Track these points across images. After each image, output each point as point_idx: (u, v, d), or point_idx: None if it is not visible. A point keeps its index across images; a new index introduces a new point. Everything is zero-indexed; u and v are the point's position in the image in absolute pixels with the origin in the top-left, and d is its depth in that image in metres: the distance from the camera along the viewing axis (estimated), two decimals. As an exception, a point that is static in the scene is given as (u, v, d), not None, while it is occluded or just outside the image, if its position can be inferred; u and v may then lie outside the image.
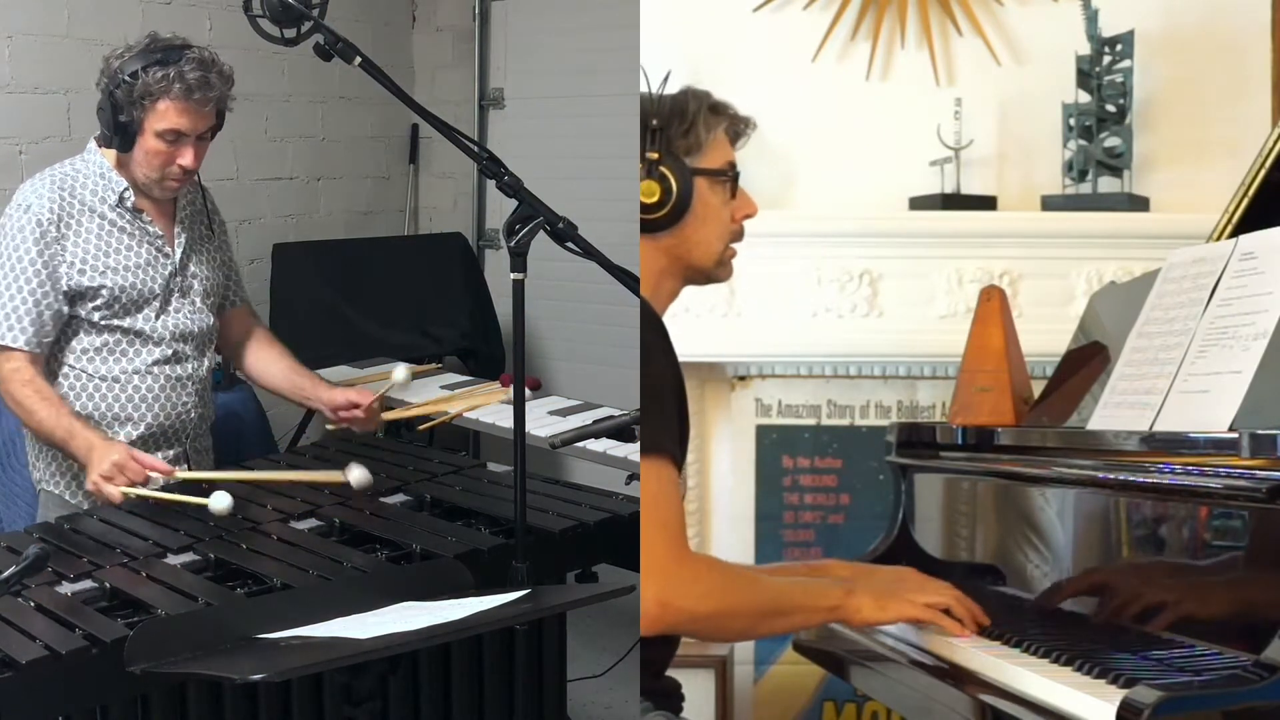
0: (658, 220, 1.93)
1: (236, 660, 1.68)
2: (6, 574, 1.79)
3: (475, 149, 2.04)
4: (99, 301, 2.57)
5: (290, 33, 2.12)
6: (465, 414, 3.23)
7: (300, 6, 2.08)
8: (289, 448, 3.49)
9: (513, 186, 1.98)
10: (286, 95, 4.84)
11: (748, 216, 2.02)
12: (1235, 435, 1.66)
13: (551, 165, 4.00)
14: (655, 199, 1.92)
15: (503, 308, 4.94)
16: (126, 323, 2.59)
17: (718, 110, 1.98)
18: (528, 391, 2.18)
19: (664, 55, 3.11)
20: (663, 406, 1.83)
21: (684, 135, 1.94)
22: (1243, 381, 1.76)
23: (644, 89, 1.96)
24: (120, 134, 2.50)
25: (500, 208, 5.19)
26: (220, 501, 2.28)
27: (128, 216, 2.59)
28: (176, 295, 2.65)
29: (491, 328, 4.96)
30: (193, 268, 2.69)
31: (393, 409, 3.34)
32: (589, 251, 1.95)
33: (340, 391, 2.78)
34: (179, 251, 2.66)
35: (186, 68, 2.45)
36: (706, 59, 3.17)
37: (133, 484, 2.38)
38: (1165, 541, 1.76)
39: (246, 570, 2.09)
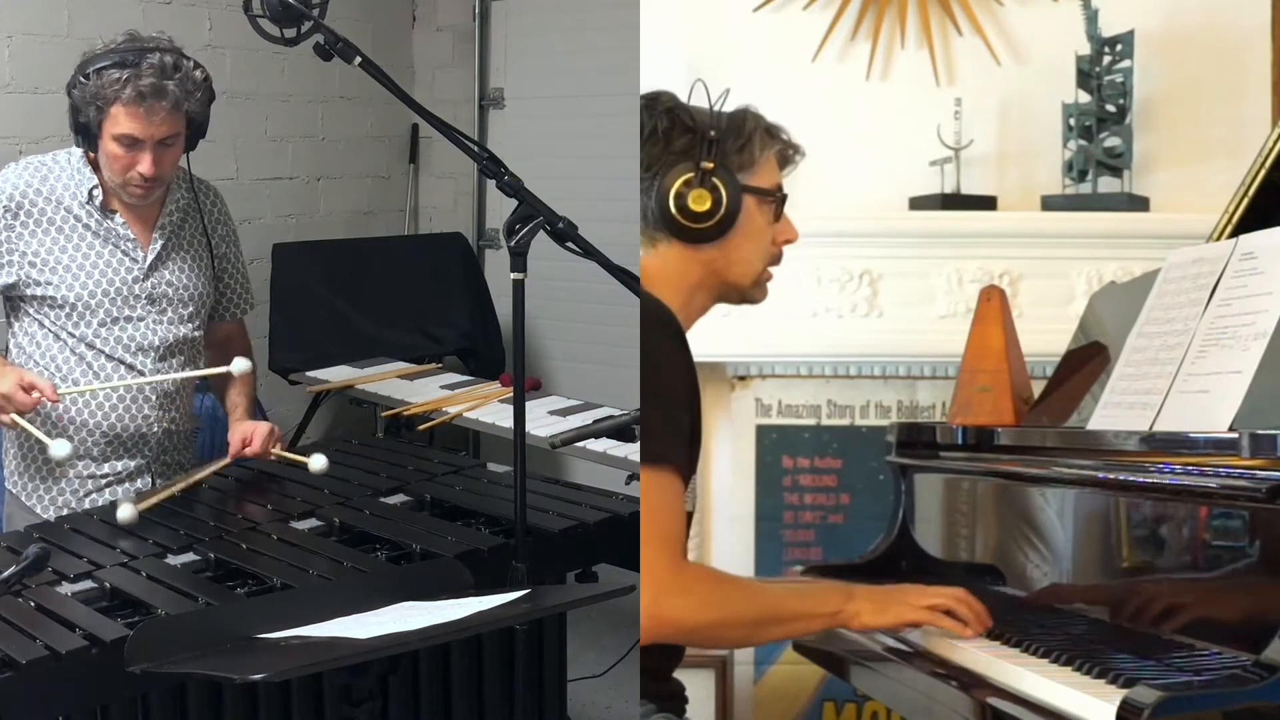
0: (704, 231, 1.93)
1: (236, 660, 1.68)
2: (6, 574, 1.79)
3: (475, 149, 2.04)
4: (46, 303, 2.50)
5: (290, 33, 2.11)
6: (465, 414, 3.23)
7: (300, 6, 2.08)
8: (288, 448, 3.47)
9: (513, 186, 1.98)
10: (286, 95, 4.84)
11: (789, 242, 2.04)
12: (1235, 435, 1.66)
13: (551, 165, 3.99)
14: (705, 208, 1.92)
15: (503, 308, 4.94)
16: (78, 332, 2.51)
17: (772, 133, 1.99)
18: (528, 391, 2.18)
19: (664, 55, 3.13)
20: (674, 416, 1.82)
21: (739, 151, 1.95)
22: (1243, 381, 1.76)
23: (702, 105, 1.96)
24: (82, 134, 2.44)
25: (500, 208, 5.19)
26: (60, 450, 2.28)
27: (96, 215, 2.51)
28: (143, 303, 2.55)
29: (491, 328, 4.96)
30: (167, 275, 2.59)
31: (392, 409, 3.35)
32: (589, 251, 1.95)
33: (237, 430, 2.65)
34: (150, 257, 2.56)
35: (144, 72, 2.36)
36: (706, 59, 3.17)
37: (20, 413, 2.35)
38: (1165, 542, 1.76)
39: (246, 570, 2.09)
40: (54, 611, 1.88)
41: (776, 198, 2.00)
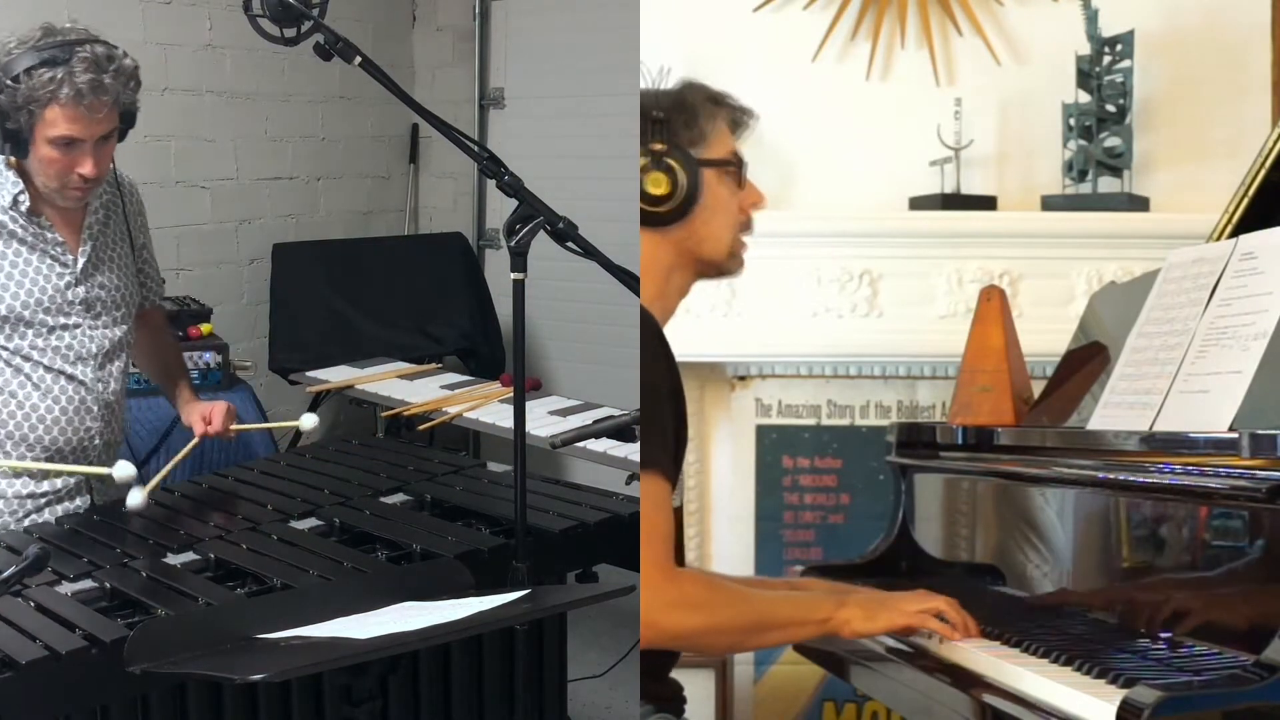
0: (667, 213, 1.91)
1: (236, 660, 1.68)
2: (6, 574, 1.79)
3: (475, 149, 2.04)
4: None
5: (290, 32, 2.10)
6: (465, 414, 3.23)
7: (300, 6, 2.07)
8: (289, 447, 3.48)
9: (513, 186, 1.97)
10: (286, 95, 4.84)
11: (756, 206, 2.01)
12: (1235, 435, 1.66)
13: (551, 165, 4.00)
14: (664, 190, 1.90)
15: (503, 308, 4.95)
16: (11, 345, 2.38)
17: (718, 101, 1.97)
18: (528, 391, 2.18)
19: (664, 55, 3.12)
20: (657, 416, 1.82)
21: (687, 127, 1.93)
22: (1243, 381, 1.76)
23: (644, 86, 1.96)
24: (11, 141, 2.28)
25: (500, 208, 5.19)
26: None
27: (21, 221, 2.36)
28: (79, 310, 2.43)
29: (491, 328, 4.96)
30: (100, 278, 2.46)
31: (392, 409, 3.36)
32: (589, 251, 1.95)
33: (194, 411, 2.62)
34: (81, 262, 2.43)
35: (77, 69, 2.21)
36: (706, 59, 3.17)
37: None
38: (1165, 542, 1.76)
39: (246, 570, 2.09)
40: (54, 611, 1.88)
41: (735, 165, 1.97)
